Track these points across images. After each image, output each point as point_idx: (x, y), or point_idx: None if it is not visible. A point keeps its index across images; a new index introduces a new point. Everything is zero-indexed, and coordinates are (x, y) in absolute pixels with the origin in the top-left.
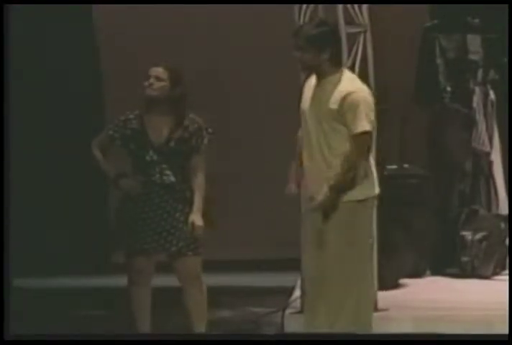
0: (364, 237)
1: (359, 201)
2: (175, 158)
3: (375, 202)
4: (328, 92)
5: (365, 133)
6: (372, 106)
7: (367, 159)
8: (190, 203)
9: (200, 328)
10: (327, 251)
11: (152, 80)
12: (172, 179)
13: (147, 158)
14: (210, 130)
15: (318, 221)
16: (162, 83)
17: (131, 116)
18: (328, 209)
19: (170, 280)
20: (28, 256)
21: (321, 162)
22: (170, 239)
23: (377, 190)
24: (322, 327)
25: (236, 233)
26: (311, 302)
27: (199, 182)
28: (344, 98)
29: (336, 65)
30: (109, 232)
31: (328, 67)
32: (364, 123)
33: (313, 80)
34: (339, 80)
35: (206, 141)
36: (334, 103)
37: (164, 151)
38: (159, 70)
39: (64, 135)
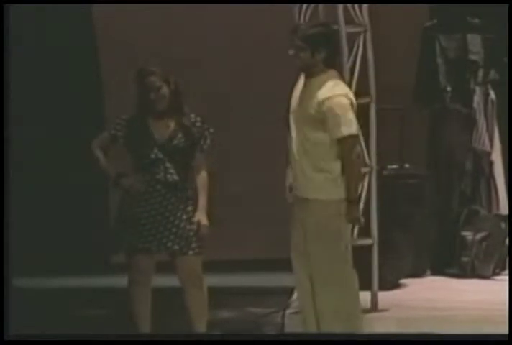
0: (336, 238)
1: (326, 202)
2: (178, 157)
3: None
4: (310, 96)
5: (346, 137)
6: (349, 108)
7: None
8: (192, 202)
9: (200, 327)
10: (309, 253)
11: (153, 95)
12: (176, 177)
13: (152, 156)
14: (211, 130)
15: (300, 217)
16: (162, 91)
17: (134, 115)
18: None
19: (170, 280)
20: (28, 256)
21: (303, 164)
22: (172, 238)
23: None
24: (312, 328)
25: (236, 233)
26: (300, 303)
27: (203, 181)
28: (320, 105)
29: (329, 66)
30: (111, 231)
31: (321, 67)
32: (343, 127)
33: (302, 81)
34: (322, 84)
35: (209, 140)
36: (312, 109)
37: (168, 149)
38: (154, 80)
39: (64, 135)
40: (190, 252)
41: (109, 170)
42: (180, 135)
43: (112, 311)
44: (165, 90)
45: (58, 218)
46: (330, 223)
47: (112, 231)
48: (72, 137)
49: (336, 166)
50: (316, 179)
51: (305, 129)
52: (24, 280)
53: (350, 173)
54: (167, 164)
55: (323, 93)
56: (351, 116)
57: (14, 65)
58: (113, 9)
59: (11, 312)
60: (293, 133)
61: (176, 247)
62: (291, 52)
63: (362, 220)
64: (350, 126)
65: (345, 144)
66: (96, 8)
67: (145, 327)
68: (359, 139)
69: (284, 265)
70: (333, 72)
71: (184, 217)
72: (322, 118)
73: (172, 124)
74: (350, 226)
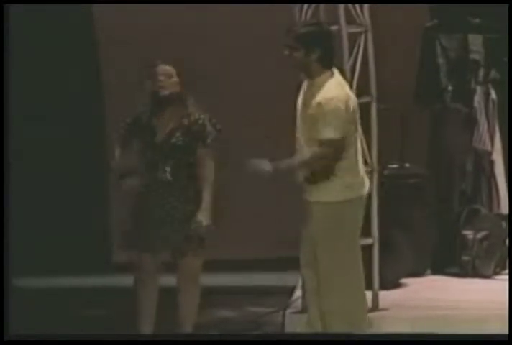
0: (347, 239)
1: (331, 203)
2: (180, 155)
3: (356, 204)
4: (312, 96)
5: (328, 140)
6: (342, 114)
7: (350, 161)
8: (193, 201)
9: (187, 328)
10: (317, 251)
11: (162, 78)
12: (176, 176)
13: (156, 155)
14: (218, 126)
15: (307, 218)
16: (173, 80)
17: (141, 114)
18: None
19: (169, 280)
20: (28, 256)
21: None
22: (173, 238)
23: (355, 194)
24: (317, 327)
25: (236, 233)
26: (307, 303)
27: (206, 179)
28: (319, 105)
29: (326, 66)
30: (116, 231)
31: (317, 67)
32: (328, 130)
33: (306, 82)
34: (323, 84)
35: (212, 136)
36: (312, 109)
37: (170, 148)
38: (167, 68)
39: (64, 135)
40: (190, 253)
41: (116, 171)
42: (178, 134)
43: (112, 311)
44: (175, 80)
45: (58, 218)
46: (336, 224)
47: (118, 231)
48: (72, 137)
49: (339, 167)
50: (321, 180)
51: (308, 130)
52: (24, 280)
53: (306, 160)
54: (170, 163)
55: (322, 95)
56: (340, 121)
57: (14, 65)
58: (113, 9)
59: (11, 312)
60: (299, 134)
61: (176, 247)
62: (286, 52)
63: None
64: (334, 130)
65: (323, 145)
66: (96, 8)
67: (149, 327)
68: (340, 144)
69: (284, 265)
70: (331, 72)
71: (185, 216)
72: (317, 120)
73: (176, 122)
74: (358, 226)
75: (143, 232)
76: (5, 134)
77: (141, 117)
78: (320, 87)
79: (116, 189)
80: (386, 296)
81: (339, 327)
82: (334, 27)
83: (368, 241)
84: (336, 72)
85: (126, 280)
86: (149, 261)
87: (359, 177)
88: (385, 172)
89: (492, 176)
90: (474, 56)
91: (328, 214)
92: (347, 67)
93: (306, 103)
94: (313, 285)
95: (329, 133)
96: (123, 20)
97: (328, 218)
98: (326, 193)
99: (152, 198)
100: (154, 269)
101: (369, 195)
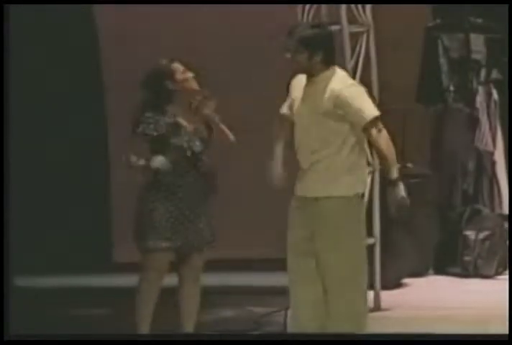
0: (354, 235)
1: (345, 198)
2: (207, 146)
3: (362, 200)
4: (320, 91)
5: (373, 120)
6: (366, 94)
7: (359, 155)
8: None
9: (188, 327)
10: (316, 251)
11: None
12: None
13: (195, 148)
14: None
15: (306, 218)
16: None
17: (159, 111)
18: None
19: (169, 280)
20: (28, 255)
21: (311, 160)
22: (195, 236)
23: (363, 188)
24: (315, 328)
25: (236, 233)
26: (297, 303)
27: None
28: (337, 96)
29: (328, 65)
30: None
31: (320, 66)
32: (367, 112)
33: (303, 79)
34: (330, 79)
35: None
36: (327, 102)
37: (202, 139)
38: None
39: (64, 134)
40: (196, 251)
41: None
42: (200, 129)
43: (112, 311)
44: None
45: (59, 217)
46: (346, 220)
47: (152, 227)
48: (73, 137)
49: (350, 160)
50: (330, 175)
51: (316, 126)
52: (24, 279)
53: (388, 152)
54: (204, 155)
55: (335, 86)
56: (369, 100)
57: (14, 65)
58: (113, 9)
59: (11, 312)
60: (301, 132)
61: (191, 246)
62: (288, 55)
63: (408, 200)
64: (372, 108)
65: (373, 127)
66: (96, 8)
67: (147, 326)
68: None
69: (284, 265)
70: (336, 68)
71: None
72: (337, 111)
73: (191, 115)
74: (364, 222)
75: (159, 229)
76: (5, 134)
77: (162, 113)
78: (327, 82)
79: (114, 188)
80: (388, 296)
81: (346, 328)
82: (335, 27)
83: (370, 240)
84: (338, 69)
85: (127, 280)
86: (163, 261)
87: (365, 173)
88: None
89: (493, 176)
90: (476, 56)
91: (343, 209)
92: (349, 66)
93: (312, 101)
94: (310, 285)
95: (371, 112)
96: (123, 20)
97: (332, 214)
98: (339, 188)
99: (188, 190)
100: (165, 268)
101: (372, 195)
